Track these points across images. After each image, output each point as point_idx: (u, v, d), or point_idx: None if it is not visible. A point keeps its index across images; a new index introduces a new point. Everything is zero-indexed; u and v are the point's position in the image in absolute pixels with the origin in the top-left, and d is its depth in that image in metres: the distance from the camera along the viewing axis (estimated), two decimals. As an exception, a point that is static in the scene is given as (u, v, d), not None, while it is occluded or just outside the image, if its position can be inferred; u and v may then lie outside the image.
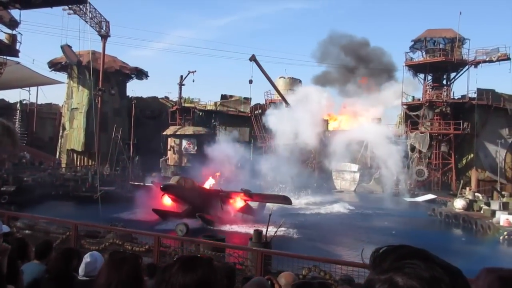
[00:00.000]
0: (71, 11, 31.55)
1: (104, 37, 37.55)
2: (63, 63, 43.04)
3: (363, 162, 44.30)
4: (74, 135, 45.03)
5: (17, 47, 29.26)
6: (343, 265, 7.28)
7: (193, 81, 55.93)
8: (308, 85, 49.65)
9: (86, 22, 33.02)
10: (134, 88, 61.26)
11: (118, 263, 2.30)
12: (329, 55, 53.49)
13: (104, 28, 37.29)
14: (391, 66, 49.72)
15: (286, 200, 23.33)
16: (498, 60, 40.22)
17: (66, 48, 35.79)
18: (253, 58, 42.61)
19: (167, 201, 22.64)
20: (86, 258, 3.53)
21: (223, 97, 50.68)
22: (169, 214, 22.00)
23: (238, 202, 23.33)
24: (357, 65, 50.87)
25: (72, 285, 3.51)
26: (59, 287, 3.54)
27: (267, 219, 12.37)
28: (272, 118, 40.97)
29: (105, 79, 39.99)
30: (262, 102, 50.64)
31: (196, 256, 2.23)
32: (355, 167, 43.33)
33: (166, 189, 21.95)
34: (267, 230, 12.07)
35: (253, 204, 24.13)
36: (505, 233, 21.80)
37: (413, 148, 41.97)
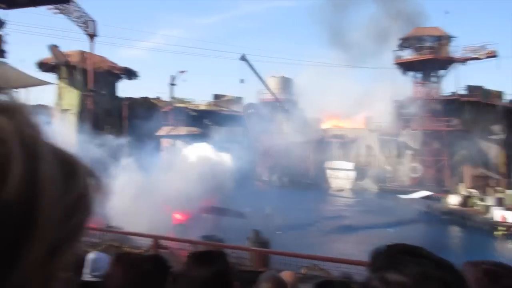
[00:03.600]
0: (57, 10, 31.11)
1: (92, 36, 37.05)
2: (52, 63, 42.48)
3: (357, 160, 44.30)
4: (65, 137, 44.49)
5: (4, 48, 28.72)
6: (341, 263, 7.18)
7: (185, 80, 55.73)
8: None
9: (73, 21, 32.54)
10: (125, 89, 60.68)
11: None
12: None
13: (91, 28, 36.80)
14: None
15: (238, 215, 18.00)
16: (485, 57, 40.51)
17: (53, 49, 35.27)
18: (243, 58, 42.41)
19: None
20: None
21: (216, 96, 50.46)
22: None
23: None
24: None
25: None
26: None
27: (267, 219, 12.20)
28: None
29: (94, 79, 39.51)
30: (255, 101, 50.52)
31: (209, 250, 2.27)
32: (350, 165, 43.28)
33: None
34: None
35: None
36: (503, 228, 21.85)
37: (406, 146, 42.05)
